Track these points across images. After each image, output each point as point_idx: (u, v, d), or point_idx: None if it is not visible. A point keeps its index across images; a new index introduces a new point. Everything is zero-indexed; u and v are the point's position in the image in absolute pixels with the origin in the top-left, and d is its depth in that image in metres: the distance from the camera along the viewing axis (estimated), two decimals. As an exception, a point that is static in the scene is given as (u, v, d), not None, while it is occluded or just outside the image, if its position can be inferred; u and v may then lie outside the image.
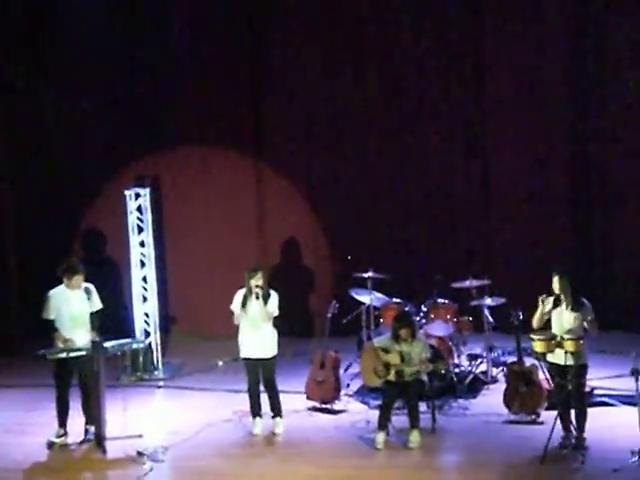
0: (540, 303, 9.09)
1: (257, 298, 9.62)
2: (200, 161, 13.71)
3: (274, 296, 9.76)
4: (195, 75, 13.56)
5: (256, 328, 9.70)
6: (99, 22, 13.40)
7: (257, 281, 9.63)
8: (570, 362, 8.88)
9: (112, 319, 10.83)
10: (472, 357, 11.43)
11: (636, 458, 8.54)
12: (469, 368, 11.21)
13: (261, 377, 9.80)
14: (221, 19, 13.47)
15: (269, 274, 12.59)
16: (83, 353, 9.41)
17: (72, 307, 9.58)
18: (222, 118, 13.60)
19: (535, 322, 9.14)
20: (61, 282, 9.65)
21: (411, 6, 13.15)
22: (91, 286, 9.72)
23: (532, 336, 9.04)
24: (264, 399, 9.87)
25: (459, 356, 11.29)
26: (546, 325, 9.14)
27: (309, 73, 13.39)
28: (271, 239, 13.78)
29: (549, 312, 9.06)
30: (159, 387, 11.76)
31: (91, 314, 9.60)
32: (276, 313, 9.76)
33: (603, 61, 12.76)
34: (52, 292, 9.67)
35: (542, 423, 9.60)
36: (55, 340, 9.57)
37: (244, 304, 9.69)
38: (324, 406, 10.46)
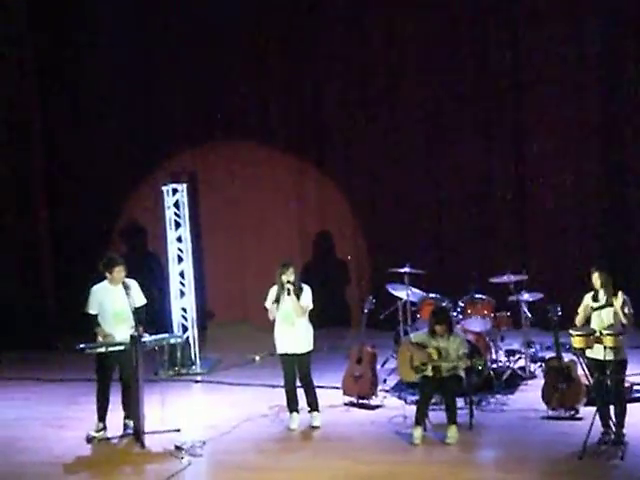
0: (582, 309, 9.04)
1: (289, 294, 9.62)
2: (237, 156, 13.76)
3: (307, 290, 9.73)
4: (232, 72, 13.60)
5: (290, 324, 9.70)
6: (137, 13, 13.46)
7: (288, 276, 9.61)
8: (609, 357, 8.81)
9: (156, 314, 10.88)
10: (510, 353, 11.38)
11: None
12: (507, 364, 11.16)
13: (297, 372, 9.82)
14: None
15: (307, 268, 12.69)
16: (122, 348, 9.47)
17: (115, 303, 9.62)
18: (259, 114, 13.65)
19: (578, 321, 9.09)
20: (104, 278, 9.70)
21: (448, 6, 13.14)
22: (132, 281, 9.74)
23: (571, 332, 8.97)
24: (301, 394, 9.88)
25: (497, 352, 11.23)
26: (586, 321, 9.09)
27: (345, 75, 13.42)
28: (309, 233, 13.81)
29: (591, 309, 9.01)
30: (197, 382, 11.81)
31: (136, 309, 9.61)
32: (310, 306, 9.73)
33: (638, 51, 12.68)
34: (95, 287, 9.72)
35: (581, 419, 9.55)
36: (97, 335, 9.64)
37: (277, 300, 9.69)
38: (361, 401, 10.45)
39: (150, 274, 12.43)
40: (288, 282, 9.59)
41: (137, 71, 13.51)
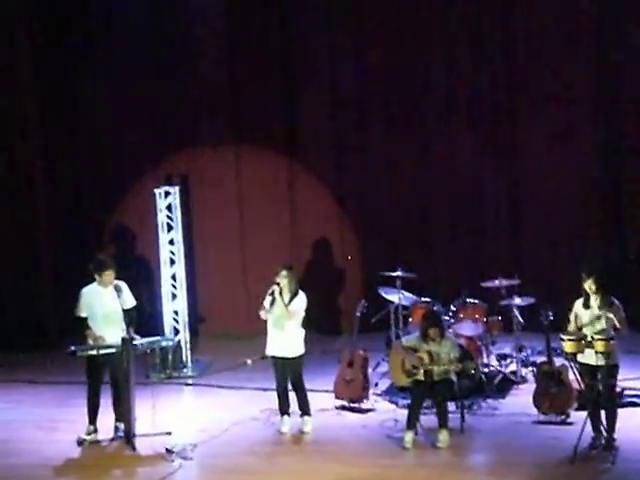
0: (572, 317, 9.05)
1: (271, 295, 9.57)
2: (229, 160, 13.74)
3: (300, 296, 9.70)
4: (224, 75, 13.60)
5: (279, 327, 9.70)
6: (133, 20, 13.47)
7: (279, 279, 9.63)
8: (601, 362, 8.83)
9: (144, 317, 10.86)
10: (501, 357, 11.39)
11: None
12: (498, 368, 11.17)
13: (288, 376, 9.81)
14: (253, 16, 13.49)
15: (299, 272, 12.67)
16: (113, 350, 9.46)
17: (105, 305, 9.62)
18: (253, 118, 13.63)
19: (571, 329, 9.09)
20: (94, 280, 9.69)
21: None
22: (122, 283, 9.74)
23: (562, 336, 8.98)
24: (292, 397, 9.88)
25: (488, 356, 11.24)
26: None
27: (338, 73, 13.43)
28: (301, 238, 13.80)
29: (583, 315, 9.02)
30: (188, 385, 11.80)
31: (127, 311, 9.61)
32: (299, 314, 9.68)
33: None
34: (85, 290, 9.71)
35: (572, 424, 9.55)
36: (87, 337, 9.63)
37: (272, 302, 9.69)
38: (352, 405, 10.45)
39: (138, 277, 12.38)
40: (276, 284, 9.58)
41: (133, 72, 13.47)
